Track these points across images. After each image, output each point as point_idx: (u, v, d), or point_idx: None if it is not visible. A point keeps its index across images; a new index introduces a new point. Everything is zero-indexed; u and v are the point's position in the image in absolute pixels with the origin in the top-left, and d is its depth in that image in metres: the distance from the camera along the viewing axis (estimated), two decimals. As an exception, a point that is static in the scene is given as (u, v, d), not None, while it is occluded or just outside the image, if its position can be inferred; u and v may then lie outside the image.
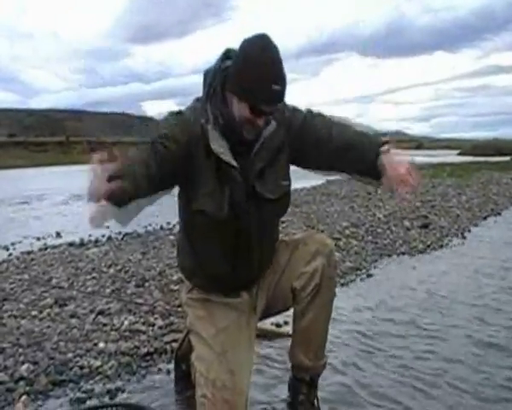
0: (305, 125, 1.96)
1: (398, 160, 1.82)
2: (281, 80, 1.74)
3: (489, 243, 6.21)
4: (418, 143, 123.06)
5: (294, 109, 2.00)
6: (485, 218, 8.16)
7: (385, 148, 1.86)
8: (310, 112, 2.02)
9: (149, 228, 8.11)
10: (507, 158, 28.27)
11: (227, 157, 1.80)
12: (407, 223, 7.29)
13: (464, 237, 6.56)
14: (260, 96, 1.73)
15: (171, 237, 6.81)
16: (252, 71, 1.72)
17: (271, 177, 1.91)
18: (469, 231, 7.02)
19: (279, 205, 1.95)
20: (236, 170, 1.82)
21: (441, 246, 5.99)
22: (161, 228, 8.00)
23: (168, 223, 8.46)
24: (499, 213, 8.74)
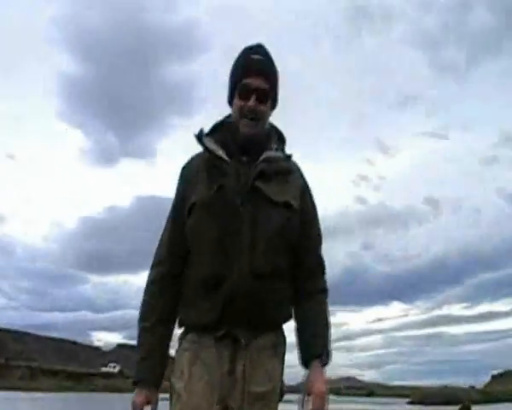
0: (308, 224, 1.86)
1: (322, 380, 1.73)
2: (262, 53, 1.81)
3: None
4: (369, 391, 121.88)
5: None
6: None
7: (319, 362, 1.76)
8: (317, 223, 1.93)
9: None
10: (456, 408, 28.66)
11: (219, 152, 1.76)
12: None
13: None
14: (240, 68, 1.79)
15: None
16: (236, 59, 1.84)
17: (279, 186, 1.77)
18: None
19: (284, 216, 1.73)
20: (229, 164, 1.75)
21: None
22: None
23: None
24: None
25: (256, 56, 1.78)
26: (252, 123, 1.77)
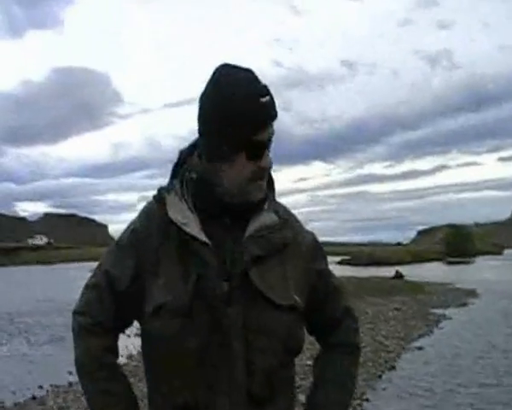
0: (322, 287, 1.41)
1: None
2: (267, 91, 1.27)
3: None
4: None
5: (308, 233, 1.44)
6: (379, 376, 8.02)
7: None
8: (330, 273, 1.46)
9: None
10: (388, 268, 28.71)
11: (191, 228, 1.23)
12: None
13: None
14: (251, 121, 1.22)
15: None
16: (228, 98, 1.23)
17: (277, 272, 1.30)
18: (367, 400, 6.77)
19: (288, 323, 1.27)
20: (209, 248, 1.23)
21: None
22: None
23: (40, 387, 7.55)
24: (393, 368, 8.41)
25: (265, 100, 1.24)
26: (263, 184, 1.30)
